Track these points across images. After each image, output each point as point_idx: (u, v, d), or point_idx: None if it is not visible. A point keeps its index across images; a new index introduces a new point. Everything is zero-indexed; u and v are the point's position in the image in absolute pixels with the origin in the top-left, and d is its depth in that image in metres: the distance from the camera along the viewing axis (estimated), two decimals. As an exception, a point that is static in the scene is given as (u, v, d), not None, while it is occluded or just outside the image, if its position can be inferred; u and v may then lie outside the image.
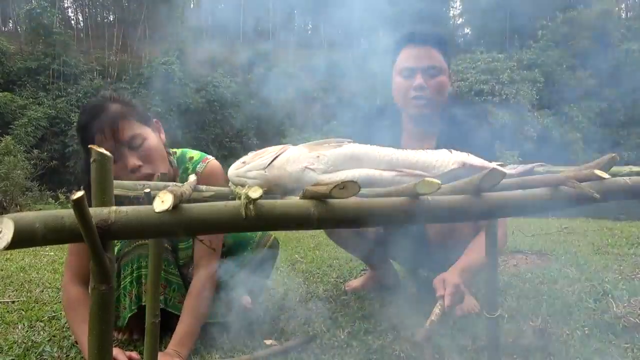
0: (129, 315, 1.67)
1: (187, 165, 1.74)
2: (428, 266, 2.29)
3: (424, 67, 1.90)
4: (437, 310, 1.46)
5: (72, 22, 40.91)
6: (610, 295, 1.98)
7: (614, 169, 0.95)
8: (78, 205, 0.59)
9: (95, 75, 31.96)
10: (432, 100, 1.92)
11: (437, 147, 1.48)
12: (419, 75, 1.90)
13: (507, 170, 1.03)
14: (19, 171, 13.66)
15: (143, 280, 1.66)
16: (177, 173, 1.72)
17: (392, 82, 2.02)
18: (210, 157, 1.78)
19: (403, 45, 1.96)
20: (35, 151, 18.04)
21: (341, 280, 2.56)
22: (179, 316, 1.61)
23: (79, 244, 1.65)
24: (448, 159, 1.04)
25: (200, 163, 1.74)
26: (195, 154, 1.79)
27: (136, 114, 1.54)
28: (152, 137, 1.57)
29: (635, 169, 0.96)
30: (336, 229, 2.07)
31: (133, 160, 1.50)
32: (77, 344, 1.64)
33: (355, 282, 2.38)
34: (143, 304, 1.64)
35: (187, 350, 1.50)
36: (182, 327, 1.54)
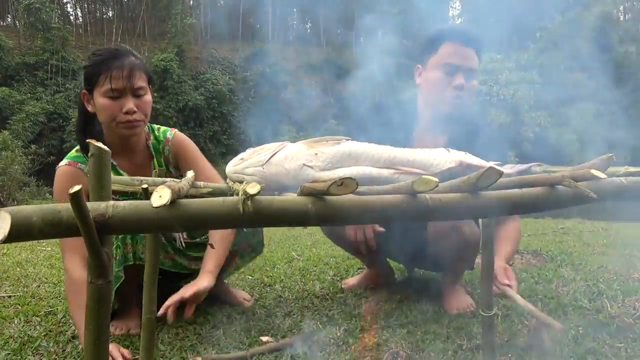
0: (117, 286, 1.70)
1: (157, 133, 1.88)
2: (425, 263, 2.29)
3: (466, 67, 1.88)
4: (514, 294, 1.57)
5: (71, 17, 40.78)
6: (604, 295, 1.99)
7: (611, 169, 0.96)
8: (75, 199, 0.59)
9: (93, 70, 31.84)
10: (466, 102, 1.92)
11: (447, 145, 1.49)
12: (460, 74, 1.87)
13: (504, 169, 1.03)
14: (16, 166, 13.63)
15: (128, 241, 1.71)
16: (149, 137, 1.85)
17: (423, 73, 1.98)
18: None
19: (444, 40, 1.91)
20: (33, 146, 17.98)
21: (338, 278, 2.56)
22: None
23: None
24: (445, 157, 1.05)
25: (169, 131, 1.89)
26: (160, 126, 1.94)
27: (146, 71, 1.72)
28: (150, 95, 1.74)
29: (631, 169, 0.97)
30: (333, 227, 2.08)
31: (132, 105, 1.65)
32: (76, 330, 1.65)
33: (351, 280, 2.39)
34: (130, 263, 1.70)
35: (216, 275, 1.71)
36: (212, 258, 1.74)
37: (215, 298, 1.96)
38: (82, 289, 1.56)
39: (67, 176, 1.71)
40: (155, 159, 1.85)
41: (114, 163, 1.76)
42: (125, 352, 1.54)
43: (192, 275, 1.83)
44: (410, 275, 2.47)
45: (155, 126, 1.90)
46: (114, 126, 1.67)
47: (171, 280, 1.87)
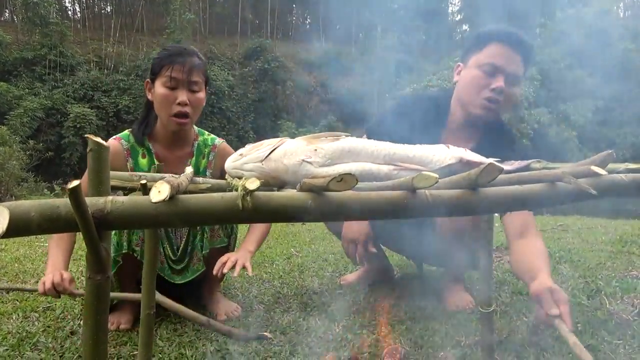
0: (114, 270, 1.75)
1: (205, 137, 2.00)
2: (434, 259, 2.27)
3: (509, 72, 1.74)
4: (569, 334, 1.19)
5: (69, 12, 40.61)
6: (603, 292, 1.99)
7: (611, 166, 0.96)
8: (74, 195, 0.59)
9: (92, 66, 31.78)
10: (502, 109, 1.80)
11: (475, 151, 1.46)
12: (501, 77, 1.73)
13: (504, 166, 1.03)
14: (14, 162, 13.61)
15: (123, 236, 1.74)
16: (197, 138, 1.97)
17: (462, 71, 1.86)
18: None
19: (491, 40, 1.77)
20: (31, 142, 17.96)
21: (337, 274, 2.56)
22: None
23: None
24: (445, 153, 1.04)
25: (217, 139, 2.03)
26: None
27: (205, 73, 1.86)
28: (204, 94, 1.87)
29: (631, 166, 0.96)
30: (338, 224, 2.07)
31: (186, 97, 1.77)
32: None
33: (350, 277, 2.39)
34: (124, 252, 1.74)
35: (254, 252, 1.85)
36: (251, 238, 1.89)
37: (203, 307, 1.96)
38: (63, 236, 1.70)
39: (113, 150, 1.81)
40: (194, 159, 1.94)
41: (152, 149, 1.88)
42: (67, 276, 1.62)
43: (178, 285, 1.88)
44: (421, 270, 2.47)
45: (205, 131, 2.03)
46: (166, 116, 1.80)
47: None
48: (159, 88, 1.77)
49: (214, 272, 1.71)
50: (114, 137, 1.90)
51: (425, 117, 1.85)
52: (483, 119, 1.81)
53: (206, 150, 1.98)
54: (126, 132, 1.92)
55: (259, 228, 1.94)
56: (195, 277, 1.89)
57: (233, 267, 1.69)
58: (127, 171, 1.81)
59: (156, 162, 1.85)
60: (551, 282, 1.39)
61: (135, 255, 1.74)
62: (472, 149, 1.79)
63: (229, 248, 1.94)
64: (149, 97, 1.86)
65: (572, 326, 1.23)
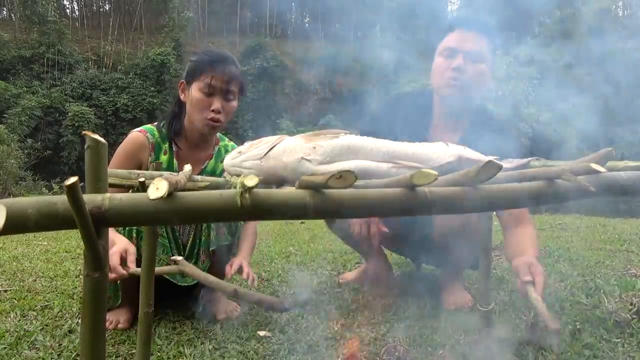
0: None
1: (227, 142, 2.06)
2: (432, 259, 2.27)
3: (467, 50, 1.82)
4: (536, 296, 1.30)
5: (68, 10, 40.49)
6: (602, 291, 1.99)
7: (610, 163, 0.95)
8: (72, 192, 0.58)
9: (90, 64, 31.71)
10: (468, 86, 1.84)
11: (462, 142, 1.47)
12: (460, 56, 1.81)
13: (504, 163, 1.03)
14: (12, 160, 13.59)
15: (134, 235, 1.73)
16: (218, 142, 2.02)
17: (433, 64, 1.94)
18: None
19: (449, 30, 1.89)
20: (29, 140, 17.96)
21: (335, 273, 2.56)
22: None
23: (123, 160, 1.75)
24: (444, 151, 1.04)
25: (237, 146, 1.97)
26: None
27: (241, 82, 1.89)
28: (237, 104, 1.92)
29: (631, 163, 0.96)
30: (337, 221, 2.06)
31: (220, 105, 1.82)
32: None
33: (349, 275, 2.38)
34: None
35: (248, 259, 1.91)
36: (246, 246, 1.95)
37: (204, 307, 1.95)
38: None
39: (132, 141, 1.86)
40: (211, 162, 1.97)
41: (174, 148, 1.91)
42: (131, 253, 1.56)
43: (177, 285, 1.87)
44: (419, 270, 2.46)
45: (226, 137, 2.09)
46: (198, 119, 1.83)
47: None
48: (196, 92, 1.81)
49: (226, 271, 1.78)
50: (138, 129, 1.91)
51: (413, 114, 1.93)
52: (452, 99, 1.87)
53: (230, 145, 2.04)
54: (150, 126, 1.94)
55: (250, 236, 1.97)
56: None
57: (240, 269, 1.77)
58: (149, 164, 1.85)
59: (175, 161, 1.89)
60: (534, 259, 1.49)
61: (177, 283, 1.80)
62: (460, 140, 1.81)
63: (232, 246, 1.93)
64: (182, 97, 1.90)
65: (542, 294, 1.34)
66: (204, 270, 1.86)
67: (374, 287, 2.20)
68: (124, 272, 1.48)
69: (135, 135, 1.88)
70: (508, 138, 1.76)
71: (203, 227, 1.89)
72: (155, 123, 1.96)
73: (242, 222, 1.97)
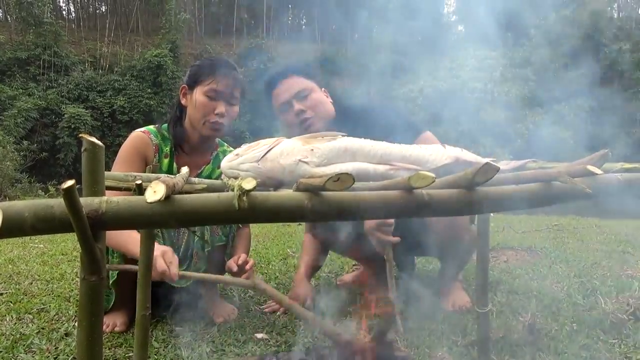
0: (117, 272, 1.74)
1: (225, 148, 2.05)
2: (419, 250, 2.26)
3: (295, 94, 1.93)
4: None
5: (64, 12, 40.41)
6: (598, 292, 2.00)
7: (606, 165, 0.96)
8: (68, 195, 0.58)
9: (86, 66, 31.62)
10: (316, 116, 1.94)
11: None
12: (294, 103, 1.92)
13: (500, 165, 1.03)
14: (8, 162, 13.53)
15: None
16: (217, 148, 2.03)
17: (281, 125, 2.05)
18: None
19: (270, 91, 2.00)
20: (25, 142, 17.88)
21: (333, 275, 2.56)
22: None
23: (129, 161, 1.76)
24: (442, 153, 1.05)
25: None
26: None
27: (242, 88, 1.92)
28: (238, 108, 1.92)
29: (626, 165, 0.97)
30: (321, 235, 2.09)
31: (224, 109, 1.85)
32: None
33: (347, 277, 2.38)
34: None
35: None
36: (241, 249, 1.93)
37: (202, 309, 1.94)
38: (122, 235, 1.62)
39: (138, 139, 1.87)
40: (208, 166, 1.98)
41: (176, 152, 1.92)
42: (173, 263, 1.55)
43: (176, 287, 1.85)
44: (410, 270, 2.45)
45: (226, 143, 2.09)
46: (201, 124, 1.84)
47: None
48: (200, 96, 1.83)
49: (229, 266, 1.77)
50: (140, 130, 1.92)
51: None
52: (312, 130, 1.92)
53: (228, 150, 2.03)
54: (152, 127, 1.94)
55: (244, 239, 1.98)
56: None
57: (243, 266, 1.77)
58: (154, 164, 1.85)
59: (175, 165, 1.89)
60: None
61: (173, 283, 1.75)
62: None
63: (227, 247, 1.93)
64: (183, 101, 1.91)
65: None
66: (198, 272, 1.86)
67: (372, 289, 2.19)
68: (175, 274, 1.50)
69: (139, 134, 1.89)
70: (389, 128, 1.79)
71: (197, 228, 1.89)
72: (156, 125, 1.96)
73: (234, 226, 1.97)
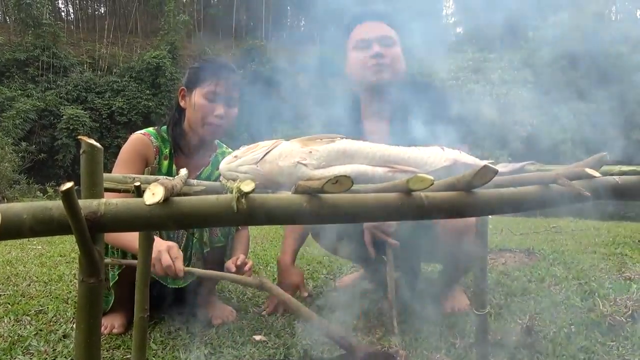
0: (118, 272, 1.75)
1: (224, 149, 2.05)
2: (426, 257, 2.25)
3: (379, 37, 1.91)
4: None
5: (63, 13, 40.39)
6: (596, 294, 2.00)
7: (605, 168, 0.96)
8: (67, 197, 0.58)
9: (85, 67, 31.60)
10: (390, 68, 1.91)
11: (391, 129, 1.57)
12: (375, 44, 1.90)
13: (499, 167, 1.03)
14: (6, 164, 13.51)
15: None
16: (216, 149, 2.02)
17: (346, 62, 2.02)
18: None
19: (354, 24, 1.97)
20: (24, 144, 17.86)
21: (331, 277, 2.56)
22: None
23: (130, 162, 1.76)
24: (440, 155, 1.05)
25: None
26: None
27: (242, 91, 1.94)
28: (237, 110, 1.93)
29: (625, 168, 0.97)
30: (321, 236, 2.08)
31: (223, 111, 1.85)
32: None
33: (347, 279, 2.38)
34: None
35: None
36: (241, 250, 1.92)
37: (200, 311, 1.94)
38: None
39: (139, 141, 1.87)
40: (207, 168, 1.97)
41: (175, 154, 1.92)
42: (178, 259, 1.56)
43: (175, 288, 1.85)
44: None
45: (224, 145, 2.09)
46: (200, 126, 1.85)
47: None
48: (199, 99, 1.83)
49: (228, 268, 1.76)
50: (140, 132, 1.92)
51: (346, 116, 2.00)
52: (380, 84, 1.92)
53: (227, 151, 2.03)
54: (152, 129, 1.94)
55: (243, 241, 1.98)
56: (195, 279, 1.86)
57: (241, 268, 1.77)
58: (154, 165, 1.85)
59: (174, 167, 1.89)
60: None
61: (166, 284, 1.79)
62: (388, 125, 1.83)
63: (226, 248, 1.93)
64: (182, 104, 1.91)
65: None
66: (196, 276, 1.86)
67: (370, 291, 2.20)
68: (180, 270, 1.50)
69: (139, 137, 1.88)
70: (436, 118, 1.76)
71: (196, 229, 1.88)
72: (155, 127, 1.96)
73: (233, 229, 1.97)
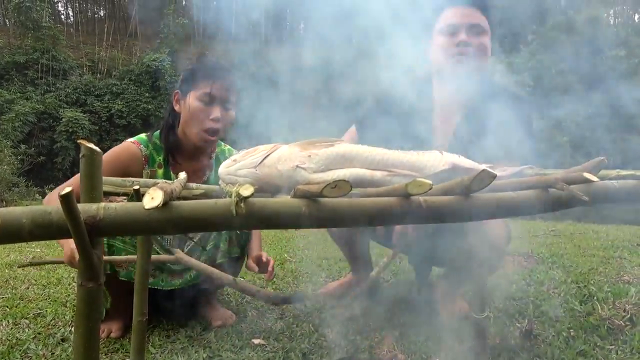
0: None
1: (224, 148, 2.00)
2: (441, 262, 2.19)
3: (468, 25, 1.80)
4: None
5: (62, 16, 40.42)
6: (595, 298, 2.00)
7: (603, 172, 0.96)
8: (66, 201, 0.58)
9: (84, 70, 31.63)
10: (475, 59, 1.80)
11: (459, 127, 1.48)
12: (462, 31, 1.79)
13: (497, 172, 1.04)
14: (5, 166, 13.49)
15: (105, 250, 1.66)
16: (215, 149, 1.95)
17: (432, 46, 1.91)
18: None
19: (444, 6, 1.86)
20: (23, 146, 17.83)
21: (330, 280, 2.56)
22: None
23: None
24: (439, 159, 1.05)
25: (235, 151, 1.98)
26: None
27: (238, 91, 1.85)
28: (234, 113, 1.86)
29: (623, 172, 0.97)
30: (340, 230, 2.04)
31: (219, 114, 1.78)
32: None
33: (332, 285, 2.28)
34: (108, 272, 1.68)
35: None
36: (257, 242, 1.92)
37: (199, 314, 1.93)
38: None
39: (124, 150, 1.80)
40: (212, 174, 1.91)
41: (170, 160, 1.86)
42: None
43: (174, 291, 1.82)
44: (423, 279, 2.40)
45: (222, 142, 2.01)
46: (196, 130, 1.78)
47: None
48: (194, 102, 1.76)
49: (251, 268, 1.79)
50: (131, 140, 1.85)
51: (412, 104, 1.84)
52: (461, 74, 1.80)
53: (227, 149, 1.99)
54: (143, 136, 1.88)
55: (257, 234, 1.97)
56: (194, 282, 1.84)
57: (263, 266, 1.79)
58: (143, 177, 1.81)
59: (172, 175, 1.84)
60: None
61: (119, 276, 1.69)
62: (463, 120, 1.76)
63: (241, 259, 1.91)
64: (177, 108, 1.84)
65: None
66: (198, 280, 1.84)
67: (369, 296, 2.16)
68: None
69: (128, 145, 1.81)
70: (511, 118, 1.69)
71: (210, 237, 1.85)
72: (148, 134, 1.89)
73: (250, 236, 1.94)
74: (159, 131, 1.89)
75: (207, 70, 1.79)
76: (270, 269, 1.76)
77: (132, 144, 1.82)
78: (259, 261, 1.80)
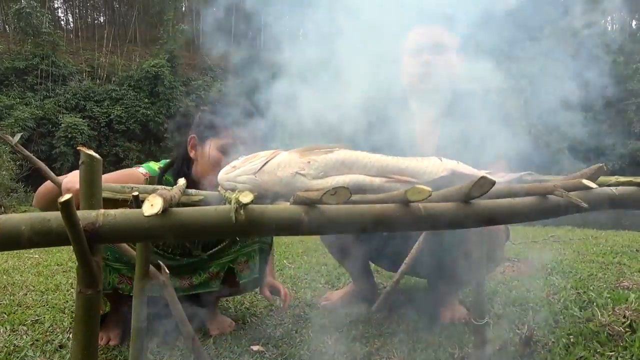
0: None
1: None
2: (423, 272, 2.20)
3: (431, 45, 1.85)
4: None
5: (62, 22, 40.57)
6: (595, 304, 2.00)
7: (601, 178, 0.97)
8: (65, 208, 0.58)
9: (84, 76, 31.70)
10: (440, 78, 1.86)
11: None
12: (426, 52, 1.85)
13: (496, 178, 1.04)
14: (4, 172, 13.49)
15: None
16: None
17: (402, 66, 1.96)
18: None
19: (410, 27, 1.91)
20: (21, 152, 17.81)
21: (329, 286, 2.55)
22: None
23: None
24: (438, 166, 1.05)
25: None
26: None
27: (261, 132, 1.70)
28: None
29: (621, 179, 0.97)
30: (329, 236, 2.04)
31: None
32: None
33: (334, 295, 2.27)
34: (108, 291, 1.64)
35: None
36: (270, 270, 1.98)
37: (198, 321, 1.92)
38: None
39: (136, 179, 1.61)
40: None
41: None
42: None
43: (190, 297, 1.81)
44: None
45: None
46: (215, 180, 1.67)
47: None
48: (214, 152, 1.62)
49: (266, 296, 1.93)
50: (142, 170, 1.68)
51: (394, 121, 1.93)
52: (424, 93, 1.90)
53: None
54: (155, 169, 1.72)
55: (270, 260, 2.00)
56: (194, 291, 1.81)
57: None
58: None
59: None
60: None
61: (120, 291, 1.66)
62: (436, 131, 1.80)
63: (259, 280, 1.88)
64: (192, 154, 1.69)
65: None
66: (206, 290, 1.82)
67: (358, 309, 2.12)
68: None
69: (137, 175, 1.63)
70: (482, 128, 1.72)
71: (230, 250, 1.80)
72: (161, 166, 1.75)
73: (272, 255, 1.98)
74: (171, 168, 1.76)
75: (230, 116, 1.65)
76: (284, 298, 1.90)
77: (141, 175, 1.65)
78: (272, 290, 1.91)
